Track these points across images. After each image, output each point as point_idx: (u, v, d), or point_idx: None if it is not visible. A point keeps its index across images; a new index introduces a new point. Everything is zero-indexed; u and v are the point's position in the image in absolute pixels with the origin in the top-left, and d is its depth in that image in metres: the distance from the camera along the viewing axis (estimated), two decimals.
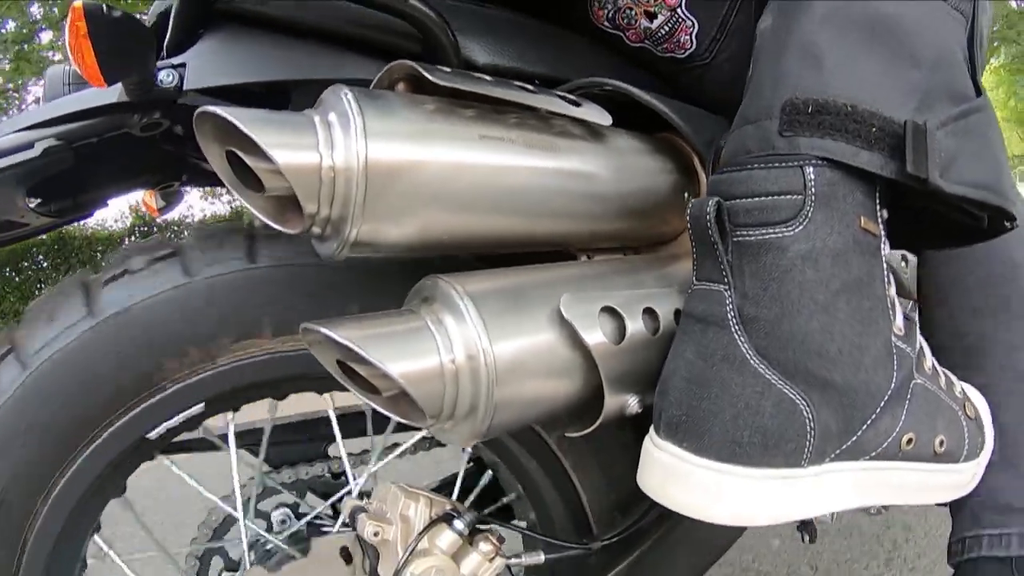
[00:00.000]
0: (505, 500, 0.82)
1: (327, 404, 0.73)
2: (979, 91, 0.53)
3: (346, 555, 0.74)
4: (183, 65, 0.57)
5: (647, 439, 0.51)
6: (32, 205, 0.62)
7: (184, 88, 0.56)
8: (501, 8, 0.66)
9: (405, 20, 0.55)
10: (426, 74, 0.46)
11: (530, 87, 0.52)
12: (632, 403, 0.51)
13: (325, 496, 0.86)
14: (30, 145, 0.54)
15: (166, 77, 0.56)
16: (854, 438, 0.50)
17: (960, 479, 0.60)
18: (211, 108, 0.41)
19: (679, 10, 0.65)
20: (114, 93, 0.57)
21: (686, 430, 0.48)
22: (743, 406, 0.47)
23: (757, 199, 0.47)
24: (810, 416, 0.48)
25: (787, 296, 0.47)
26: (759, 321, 0.47)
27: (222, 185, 0.49)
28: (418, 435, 0.80)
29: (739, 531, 0.80)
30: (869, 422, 0.50)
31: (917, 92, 0.49)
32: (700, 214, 0.47)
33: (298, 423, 0.89)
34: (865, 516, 1.17)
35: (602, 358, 0.48)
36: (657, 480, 0.49)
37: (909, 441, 0.53)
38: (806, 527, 0.73)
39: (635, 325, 0.50)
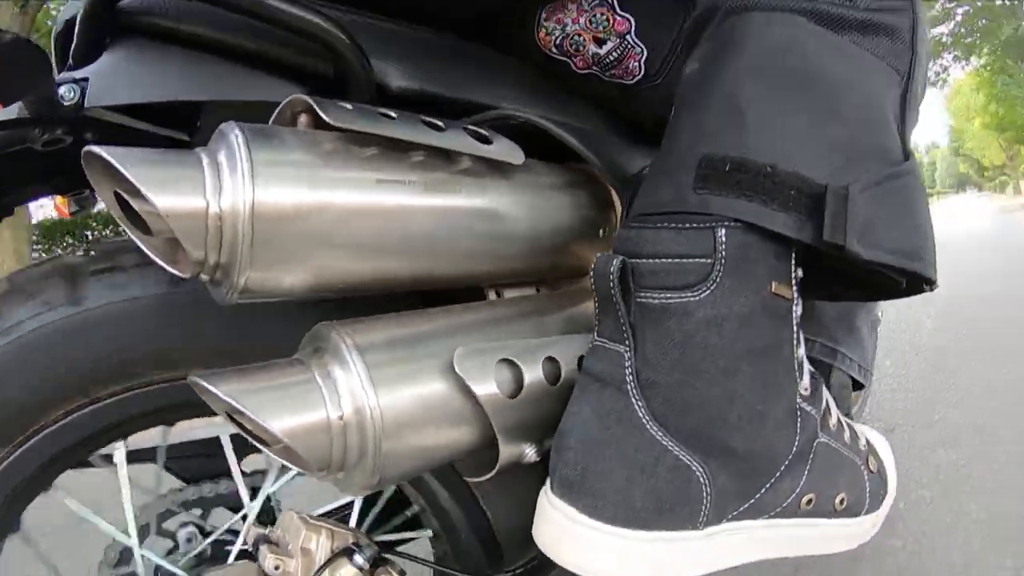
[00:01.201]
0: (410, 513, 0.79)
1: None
2: (907, 155, 0.50)
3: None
4: (85, 79, 0.55)
5: (542, 493, 0.50)
6: None
7: (86, 105, 0.54)
8: (430, 30, 0.63)
9: (316, 43, 0.53)
10: (322, 114, 0.44)
11: (439, 122, 0.50)
12: (529, 452, 0.50)
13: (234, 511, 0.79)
14: None
15: (67, 93, 0.54)
16: (752, 500, 0.50)
17: (859, 531, 0.59)
18: (95, 149, 0.39)
19: (628, 37, 0.62)
20: (13, 109, 0.54)
21: (580, 490, 0.47)
22: (637, 470, 0.46)
23: (663, 260, 0.46)
24: (706, 481, 0.47)
25: (688, 362, 0.46)
26: (658, 386, 0.46)
27: None
28: None
29: None
30: (768, 485, 0.50)
31: (842, 151, 0.46)
32: (604, 272, 0.46)
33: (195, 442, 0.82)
34: None
35: (495, 410, 0.47)
36: (550, 538, 0.48)
37: (809, 501, 0.53)
38: None
39: (533, 375, 0.49)
